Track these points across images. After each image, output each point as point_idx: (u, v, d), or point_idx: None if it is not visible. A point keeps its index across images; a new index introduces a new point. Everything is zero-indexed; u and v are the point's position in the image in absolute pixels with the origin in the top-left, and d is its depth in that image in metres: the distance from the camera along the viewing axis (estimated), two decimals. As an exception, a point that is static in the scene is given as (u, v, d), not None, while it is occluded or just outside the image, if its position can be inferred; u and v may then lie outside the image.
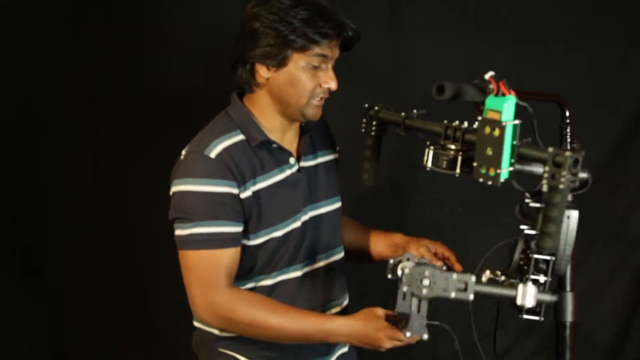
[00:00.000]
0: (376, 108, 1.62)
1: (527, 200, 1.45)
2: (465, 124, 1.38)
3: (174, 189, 1.59)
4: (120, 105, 2.55)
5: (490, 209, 2.46)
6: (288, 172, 1.66)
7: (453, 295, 1.39)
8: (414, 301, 1.42)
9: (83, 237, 2.61)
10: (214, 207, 1.54)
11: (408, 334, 1.42)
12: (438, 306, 1.45)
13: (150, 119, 2.54)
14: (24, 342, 2.63)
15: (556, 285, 1.63)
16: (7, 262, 2.59)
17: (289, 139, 1.70)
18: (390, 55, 2.53)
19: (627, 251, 2.59)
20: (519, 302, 1.39)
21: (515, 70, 2.36)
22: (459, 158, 1.36)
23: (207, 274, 1.55)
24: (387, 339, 1.50)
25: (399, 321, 1.48)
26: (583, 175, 1.31)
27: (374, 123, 1.62)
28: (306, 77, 1.58)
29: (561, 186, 1.21)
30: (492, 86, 1.29)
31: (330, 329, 1.55)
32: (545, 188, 1.23)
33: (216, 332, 1.69)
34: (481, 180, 1.31)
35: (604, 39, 2.46)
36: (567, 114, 1.65)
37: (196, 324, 1.75)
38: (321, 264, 1.74)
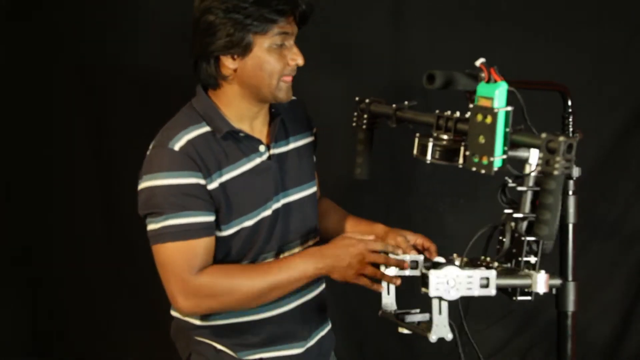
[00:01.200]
0: (367, 101, 1.59)
1: (510, 184, 1.42)
2: (458, 113, 1.35)
3: (142, 185, 1.58)
4: (122, 101, 2.54)
5: (491, 199, 2.44)
6: (258, 161, 1.65)
7: (477, 293, 1.37)
8: (435, 302, 1.39)
9: (85, 234, 2.60)
10: (183, 199, 1.54)
11: (434, 337, 1.39)
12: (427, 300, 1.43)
13: (152, 116, 2.51)
14: (24, 338, 2.61)
15: (558, 275, 1.61)
16: (8, 260, 2.57)
17: (258, 127, 1.68)
18: (391, 46, 2.52)
19: (628, 243, 2.59)
20: (534, 289, 1.37)
21: (516, 61, 2.35)
22: (462, 148, 1.34)
23: (182, 265, 1.54)
24: (362, 252, 1.51)
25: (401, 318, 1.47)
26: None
27: (365, 116, 1.60)
28: (273, 58, 1.56)
29: (555, 172, 1.19)
30: (483, 74, 1.27)
31: (303, 261, 1.56)
32: (524, 171, 1.21)
33: (194, 321, 1.69)
34: (474, 169, 1.28)
35: (606, 29, 2.46)
36: (570, 102, 1.63)
37: (173, 313, 1.75)
38: (295, 250, 1.71)
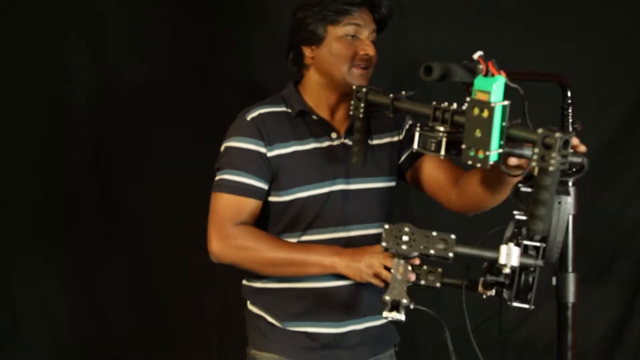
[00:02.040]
0: (364, 89, 1.58)
1: (519, 185, 1.42)
2: (455, 105, 1.34)
3: (222, 148, 1.83)
4: (120, 97, 2.53)
5: None
6: (325, 144, 1.82)
7: (432, 252, 1.37)
8: (396, 263, 1.39)
9: (84, 231, 2.58)
10: (241, 161, 1.77)
11: (387, 298, 1.39)
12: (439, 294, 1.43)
13: (151, 112, 2.53)
14: (22, 339, 2.59)
15: (558, 267, 1.61)
16: (9, 257, 2.55)
17: (339, 117, 1.86)
18: (391, 41, 2.48)
19: (628, 235, 2.59)
20: (502, 261, 1.34)
21: (516, 55, 2.33)
22: (444, 140, 1.34)
23: (225, 214, 1.76)
24: (372, 256, 1.64)
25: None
26: (578, 159, 1.27)
27: (362, 105, 1.59)
28: (343, 46, 1.75)
29: (551, 168, 1.18)
30: (481, 67, 1.26)
31: (324, 250, 1.73)
32: (535, 171, 1.20)
33: (251, 284, 1.88)
34: (470, 162, 1.27)
35: (605, 21, 2.44)
36: (569, 94, 1.62)
37: (243, 282, 1.93)
38: (353, 233, 1.83)
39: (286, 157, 1.79)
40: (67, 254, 2.60)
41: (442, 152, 1.35)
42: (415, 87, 1.55)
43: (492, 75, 1.24)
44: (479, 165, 1.26)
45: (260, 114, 1.81)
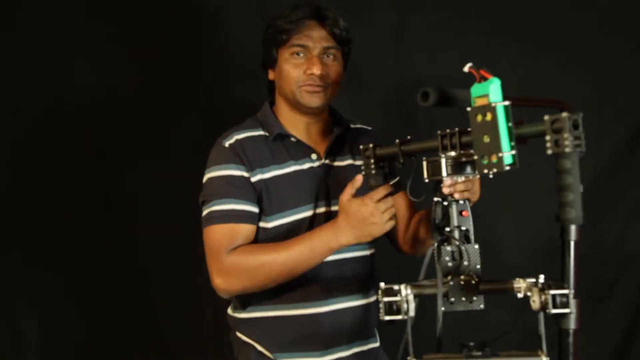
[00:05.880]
0: (370, 146, 1.58)
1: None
2: (457, 129, 1.34)
3: (203, 180, 1.78)
4: (123, 103, 2.52)
5: (495, 197, 2.44)
6: (306, 166, 1.78)
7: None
8: None
9: (84, 235, 2.53)
10: (228, 188, 1.71)
11: None
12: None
13: (153, 118, 2.52)
14: (21, 340, 2.51)
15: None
16: (8, 259, 2.49)
17: (314, 138, 1.83)
18: (395, 62, 2.54)
19: (628, 260, 2.55)
20: None
21: (518, 76, 2.34)
22: (443, 160, 1.37)
23: (220, 246, 1.68)
24: (371, 202, 1.55)
25: None
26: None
27: (372, 162, 1.58)
28: (289, 67, 1.74)
29: (567, 149, 1.15)
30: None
31: (320, 232, 1.62)
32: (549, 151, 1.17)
33: (236, 315, 1.82)
34: (486, 171, 1.24)
35: (607, 43, 2.46)
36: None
37: (228, 311, 1.87)
38: (339, 255, 1.75)
39: (267, 182, 1.73)
40: (66, 257, 2.53)
41: (444, 172, 1.37)
42: (418, 111, 1.55)
43: (486, 79, 1.25)
44: (495, 170, 1.23)
45: (237, 140, 1.75)
